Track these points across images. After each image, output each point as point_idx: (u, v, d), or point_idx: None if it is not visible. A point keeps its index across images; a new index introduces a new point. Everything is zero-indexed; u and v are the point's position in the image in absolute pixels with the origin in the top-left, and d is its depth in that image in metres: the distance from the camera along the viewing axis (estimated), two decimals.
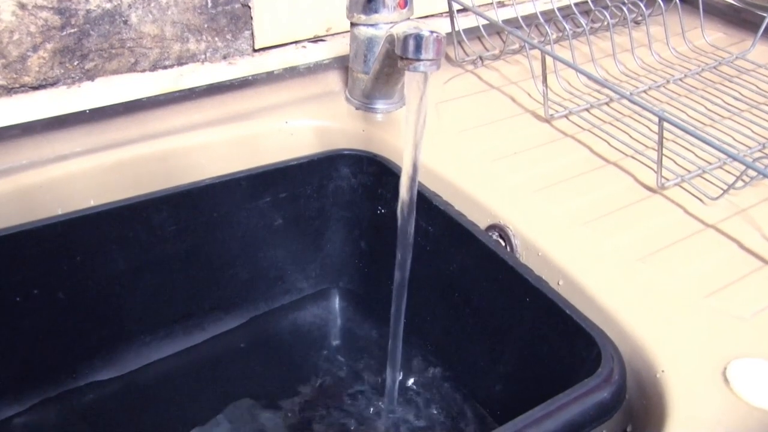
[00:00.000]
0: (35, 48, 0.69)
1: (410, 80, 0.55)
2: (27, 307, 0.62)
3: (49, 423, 0.65)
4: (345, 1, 0.72)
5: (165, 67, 0.78)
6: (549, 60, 0.77)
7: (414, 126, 0.55)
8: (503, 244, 0.63)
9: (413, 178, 0.57)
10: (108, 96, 0.73)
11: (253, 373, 0.72)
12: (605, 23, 0.90)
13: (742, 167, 0.66)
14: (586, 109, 0.80)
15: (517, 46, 0.90)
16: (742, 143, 0.75)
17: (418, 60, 0.53)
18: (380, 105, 0.76)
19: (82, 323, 0.66)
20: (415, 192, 0.58)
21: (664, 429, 0.48)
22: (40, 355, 0.65)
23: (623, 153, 0.73)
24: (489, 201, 0.65)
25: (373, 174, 0.72)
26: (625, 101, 0.81)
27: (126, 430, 0.65)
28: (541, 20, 0.87)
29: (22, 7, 0.67)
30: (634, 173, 0.70)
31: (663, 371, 0.51)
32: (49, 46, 0.70)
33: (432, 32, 0.54)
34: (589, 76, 0.74)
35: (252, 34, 0.82)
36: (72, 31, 0.71)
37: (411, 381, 0.70)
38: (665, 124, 0.66)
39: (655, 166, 0.68)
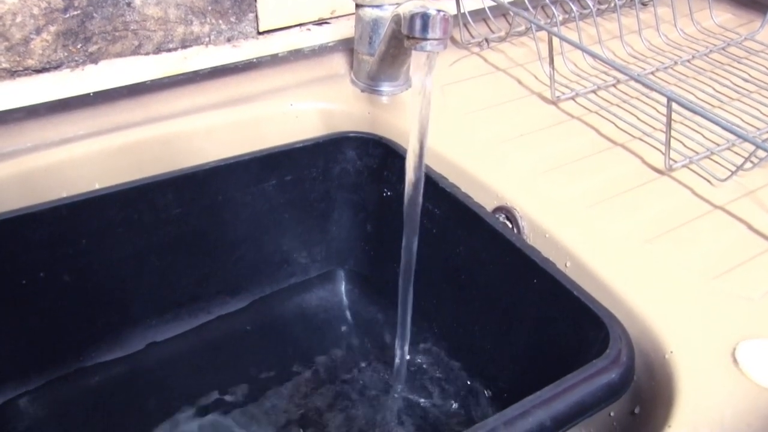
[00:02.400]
0: (38, 30, 0.69)
1: (417, 60, 0.54)
2: (33, 289, 0.62)
3: (55, 404, 0.65)
4: None
5: (169, 50, 0.78)
6: (556, 41, 0.77)
7: (420, 106, 0.55)
8: (510, 226, 0.62)
9: (420, 159, 0.57)
10: (112, 79, 0.72)
11: (259, 355, 0.72)
12: (612, 4, 0.89)
13: (751, 148, 0.65)
14: (593, 91, 0.79)
15: (523, 28, 0.89)
16: (750, 124, 0.75)
17: (425, 39, 0.53)
18: (385, 87, 0.75)
19: (88, 306, 0.66)
20: (423, 173, 0.57)
21: (673, 410, 0.47)
22: (46, 338, 0.65)
23: (630, 135, 0.72)
24: (496, 183, 0.65)
25: (379, 156, 0.72)
26: (632, 83, 0.80)
27: (131, 411, 0.65)
28: (548, 1, 0.86)
29: None
30: (641, 155, 0.70)
31: (671, 352, 0.50)
32: (52, 28, 0.69)
33: (439, 11, 0.53)
34: (597, 57, 0.73)
35: (256, 16, 0.81)
36: (75, 13, 0.70)
37: (418, 363, 0.70)
38: (673, 105, 0.65)
39: (662, 148, 0.68)
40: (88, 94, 0.70)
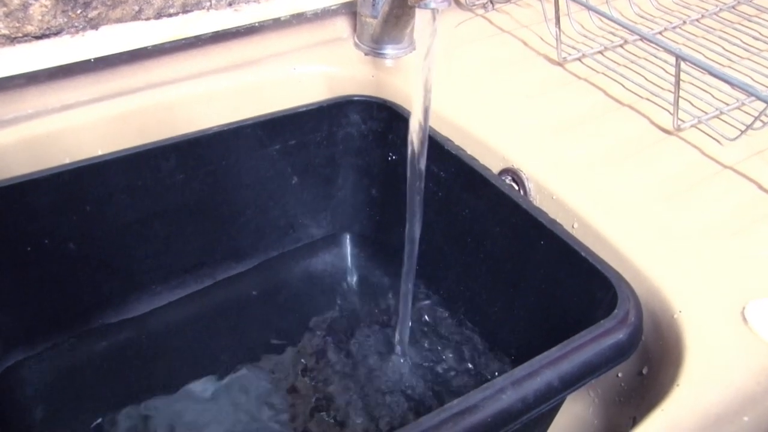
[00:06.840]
0: None
1: (421, 19, 0.53)
2: (38, 256, 0.62)
3: (62, 368, 0.65)
4: None
5: (170, 15, 0.76)
6: (562, 2, 0.75)
7: (425, 66, 0.54)
8: (517, 188, 0.62)
9: (424, 121, 0.56)
10: (112, 45, 0.71)
11: (264, 319, 0.72)
12: None
13: (760, 108, 0.64)
14: (600, 52, 0.78)
15: None
16: (761, 83, 0.73)
17: None
18: (389, 50, 0.74)
19: (93, 273, 0.66)
20: (426, 136, 0.57)
21: (681, 370, 0.47)
22: (52, 304, 0.65)
23: (638, 95, 0.71)
24: (502, 145, 0.64)
25: (384, 120, 0.71)
26: (639, 43, 0.79)
27: (138, 375, 0.66)
28: None
29: None
30: (649, 115, 0.69)
31: (680, 312, 0.50)
32: None
33: None
34: (605, 16, 0.72)
35: None
36: None
37: (424, 325, 0.70)
38: (682, 65, 0.64)
39: (670, 108, 0.67)
40: (89, 60, 0.69)
